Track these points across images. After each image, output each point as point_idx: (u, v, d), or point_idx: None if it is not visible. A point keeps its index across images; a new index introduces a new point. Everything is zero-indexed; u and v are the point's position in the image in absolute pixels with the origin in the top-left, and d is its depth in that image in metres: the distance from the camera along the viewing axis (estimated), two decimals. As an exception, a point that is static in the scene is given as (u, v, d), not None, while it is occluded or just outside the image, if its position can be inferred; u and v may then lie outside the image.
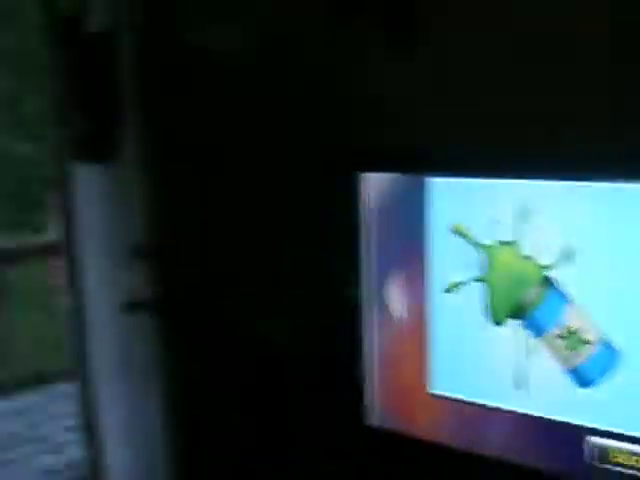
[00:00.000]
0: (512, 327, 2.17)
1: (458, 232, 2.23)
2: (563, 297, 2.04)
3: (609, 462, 2.04)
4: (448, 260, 2.29)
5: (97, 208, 3.41)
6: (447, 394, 2.35)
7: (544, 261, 2.06)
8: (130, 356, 3.31)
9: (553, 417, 2.12)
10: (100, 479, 3.73)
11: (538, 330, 2.12)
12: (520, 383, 2.17)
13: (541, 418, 2.15)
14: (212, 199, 3.19)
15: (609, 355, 1.99)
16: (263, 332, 3.13)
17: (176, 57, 3.16)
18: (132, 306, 3.10)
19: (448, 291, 2.29)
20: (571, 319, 2.05)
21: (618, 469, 2.02)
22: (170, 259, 3.13)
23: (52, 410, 5.00)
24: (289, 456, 2.95)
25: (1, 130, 10.92)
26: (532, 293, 2.10)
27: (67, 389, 4.62)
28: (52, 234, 5.84)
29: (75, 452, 4.05)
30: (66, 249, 3.71)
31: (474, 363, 2.27)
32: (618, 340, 1.96)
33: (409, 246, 2.37)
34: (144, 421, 3.30)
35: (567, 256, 2.01)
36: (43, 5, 3.55)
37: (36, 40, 3.93)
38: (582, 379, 2.05)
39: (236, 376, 3.22)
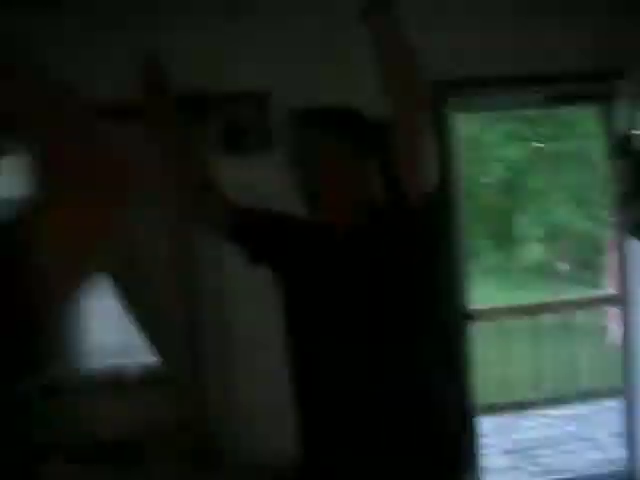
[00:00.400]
0: None
1: None
2: None
3: None
4: None
5: None
6: None
7: None
8: None
9: None
10: (634, 476, 3.74)
11: None
12: None
13: None
14: None
15: None
16: None
17: None
18: None
19: None
20: None
21: None
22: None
23: (600, 419, 4.99)
24: None
25: (571, 213, 11.26)
26: None
27: (611, 404, 4.66)
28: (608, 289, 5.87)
29: (616, 453, 4.06)
30: (621, 300, 3.86)
31: None
32: None
33: None
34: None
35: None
36: (602, 122, 3.76)
37: (594, 147, 4.07)
38: None
39: None
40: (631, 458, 3.81)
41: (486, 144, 11.18)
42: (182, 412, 3.00)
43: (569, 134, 10.81)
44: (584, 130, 9.82)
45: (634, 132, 3.39)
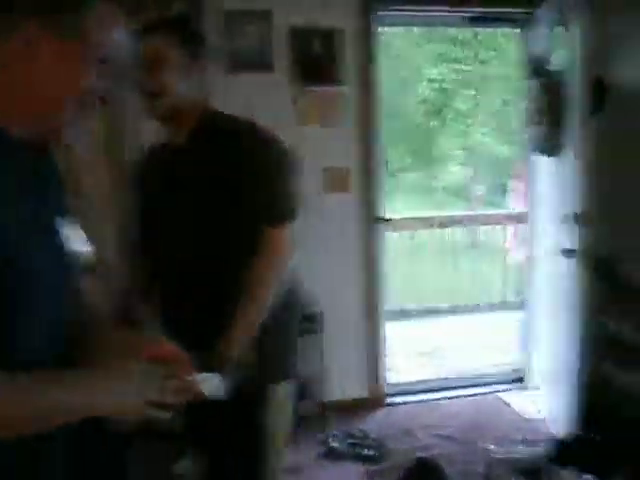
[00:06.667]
0: None
1: None
2: None
3: None
4: None
5: (548, 188, 3.70)
6: None
7: None
8: (559, 289, 3.50)
9: None
10: (526, 375, 4.06)
11: None
12: None
13: None
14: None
15: None
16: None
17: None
18: (566, 252, 3.24)
19: None
20: None
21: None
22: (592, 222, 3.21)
23: (501, 328, 5.17)
24: None
25: (489, 135, 11.55)
26: None
27: (511, 315, 4.81)
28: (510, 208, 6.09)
29: (513, 356, 4.36)
30: (526, 218, 4.06)
31: None
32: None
33: None
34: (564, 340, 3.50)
35: None
36: (522, 45, 3.90)
37: (515, 70, 4.17)
38: None
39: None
40: (525, 362, 4.15)
41: (415, 64, 11.22)
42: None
43: (494, 58, 10.97)
44: (508, 55, 9.98)
45: (549, 54, 3.54)
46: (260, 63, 3.58)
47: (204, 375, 1.32)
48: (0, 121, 1.07)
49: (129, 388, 1.12)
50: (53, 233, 1.15)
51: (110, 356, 1.24)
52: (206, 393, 1.32)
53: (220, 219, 1.81)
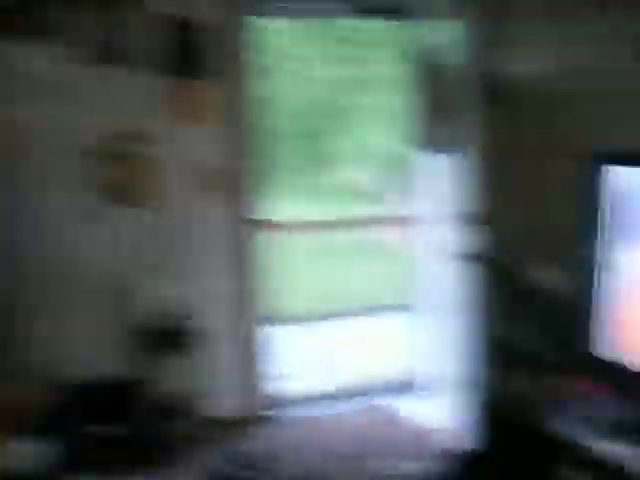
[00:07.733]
0: None
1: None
2: None
3: None
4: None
5: (437, 187, 3.51)
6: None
7: None
8: (449, 292, 3.35)
9: None
10: (411, 381, 3.84)
11: None
12: None
13: None
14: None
15: None
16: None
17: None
18: (456, 254, 3.10)
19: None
20: None
21: None
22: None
23: (387, 332, 5.05)
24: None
25: (381, 135, 11.47)
26: None
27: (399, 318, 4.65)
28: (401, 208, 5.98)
29: (400, 361, 4.19)
30: (415, 218, 3.85)
31: None
32: None
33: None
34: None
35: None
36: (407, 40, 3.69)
37: (404, 67, 4.03)
38: None
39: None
40: (416, 369, 3.96)
41: (304, 62, 11.04)
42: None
43: (380, 55, 10.95)
44: (395, 51, 9.95)
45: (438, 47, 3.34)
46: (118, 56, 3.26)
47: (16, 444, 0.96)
48: None
49: None
50: None
51: None
52: (11, 465, 0.95)
53: None
